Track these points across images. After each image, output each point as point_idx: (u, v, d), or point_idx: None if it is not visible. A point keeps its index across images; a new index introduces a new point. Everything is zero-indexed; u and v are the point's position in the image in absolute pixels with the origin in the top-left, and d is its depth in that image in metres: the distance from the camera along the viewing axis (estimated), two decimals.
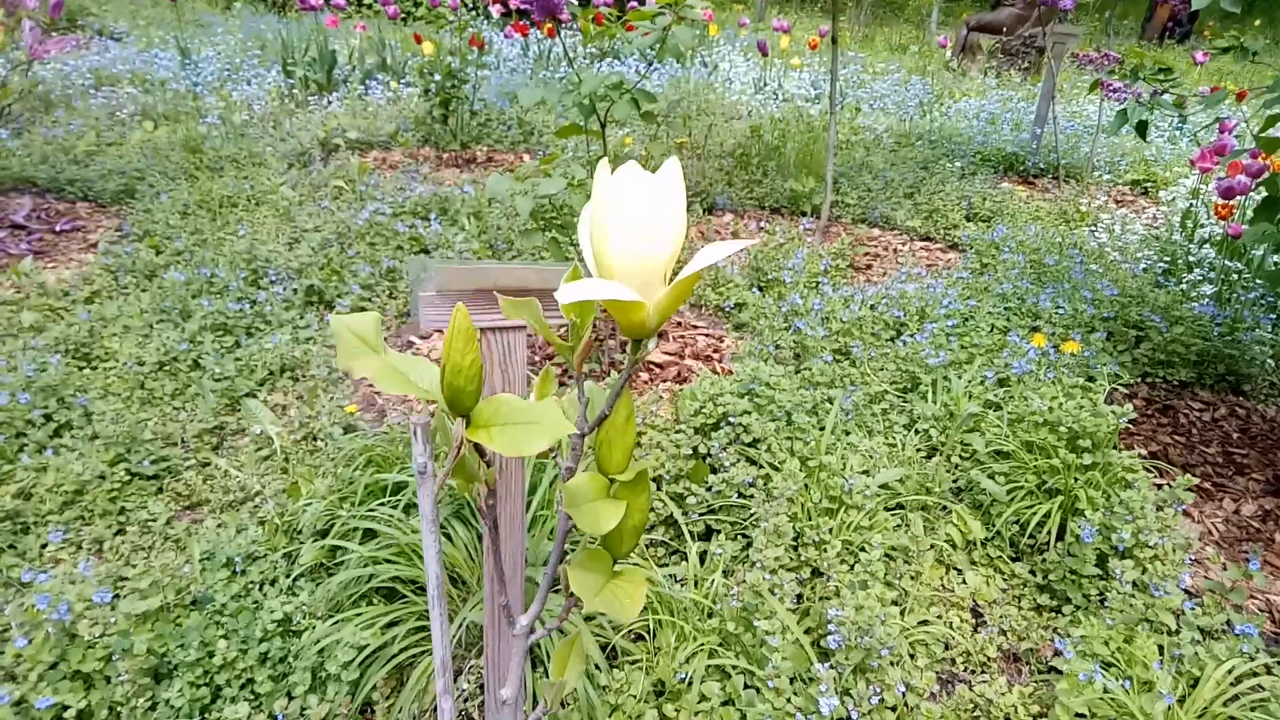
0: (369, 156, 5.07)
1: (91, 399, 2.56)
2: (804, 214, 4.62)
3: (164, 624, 1.76)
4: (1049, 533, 2.08)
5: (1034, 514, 2.09)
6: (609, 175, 0.63)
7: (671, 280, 0.66)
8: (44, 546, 2.08)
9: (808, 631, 1.79)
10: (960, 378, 2.61)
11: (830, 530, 1.94)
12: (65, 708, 1.64)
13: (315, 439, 2.42)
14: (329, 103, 5.89)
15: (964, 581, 2.06)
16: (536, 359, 2.94)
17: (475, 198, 4.07)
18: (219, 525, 2.13)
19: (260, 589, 1.91)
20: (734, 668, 1.69)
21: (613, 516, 0.69)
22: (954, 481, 2.28)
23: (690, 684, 1.65)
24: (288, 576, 1.94)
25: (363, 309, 3.09)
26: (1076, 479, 2.12)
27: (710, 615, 1.79)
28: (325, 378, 2.68)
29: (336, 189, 4.21)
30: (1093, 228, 4.15)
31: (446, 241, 3.64)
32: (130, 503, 2.24)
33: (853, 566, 1.90)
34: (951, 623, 1.94)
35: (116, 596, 1.82)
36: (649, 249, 0.62)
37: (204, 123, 4.90)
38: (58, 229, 3.89)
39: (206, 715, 1.65)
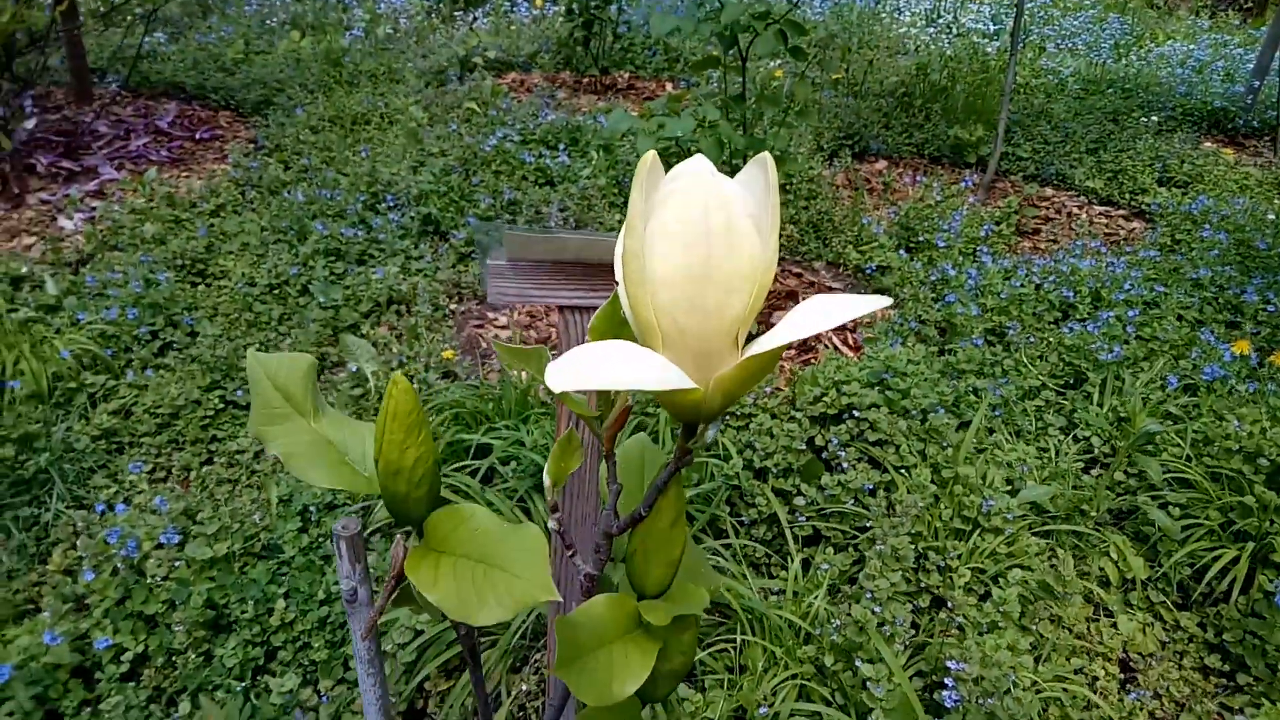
0: (506, 78, 4.90)
1: (198, 319, 2.52)
2: (968, 165, 4.17)
3: (226, 574, 1.68)
4: (1230, 583, 1.74)
5: (1213, 559, 1.75)
6: (656, 176, 0.40)
7: (745, 345, 0.42)
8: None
9: (920, 675, 1.54)
10: (1136, 379, 2.23)
11: (959, 556, 1.66)
12: (123, 649, 1.59)
13: (411, 380, 2.29)
14: (474, 19, 5.73)
15: (1115, 627, 1.75)
16: None
17: (609, 128, 3.84)
18: None
19: (329, 541, 1.81)
20: (828, 705, 1.47)
21: (638, 670, 0.47)
22: (1114, 504, 1.95)
23: (776, 717, 1.44)
24: (361, 532, 1.83)
25: (478, 243, 2.94)
26: (1274, 523, 1.75)
27: (807, 640, 1.56)
28: (430, 315, 2.55)
29: (469, 110, 4.06)
30: None
31: (572, 175, 3.44)
32: (222, 431, 2.19)
33: (982, 602, 1.62)
34: (1095, 677, 1.65)
35: (185, 537, 1.76)
36: (714, 302, 0.39)
37: (348, 36, 4.83)
38: (197, 137, 3.92)
39: (258, 680, 1.57)
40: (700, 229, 0.38)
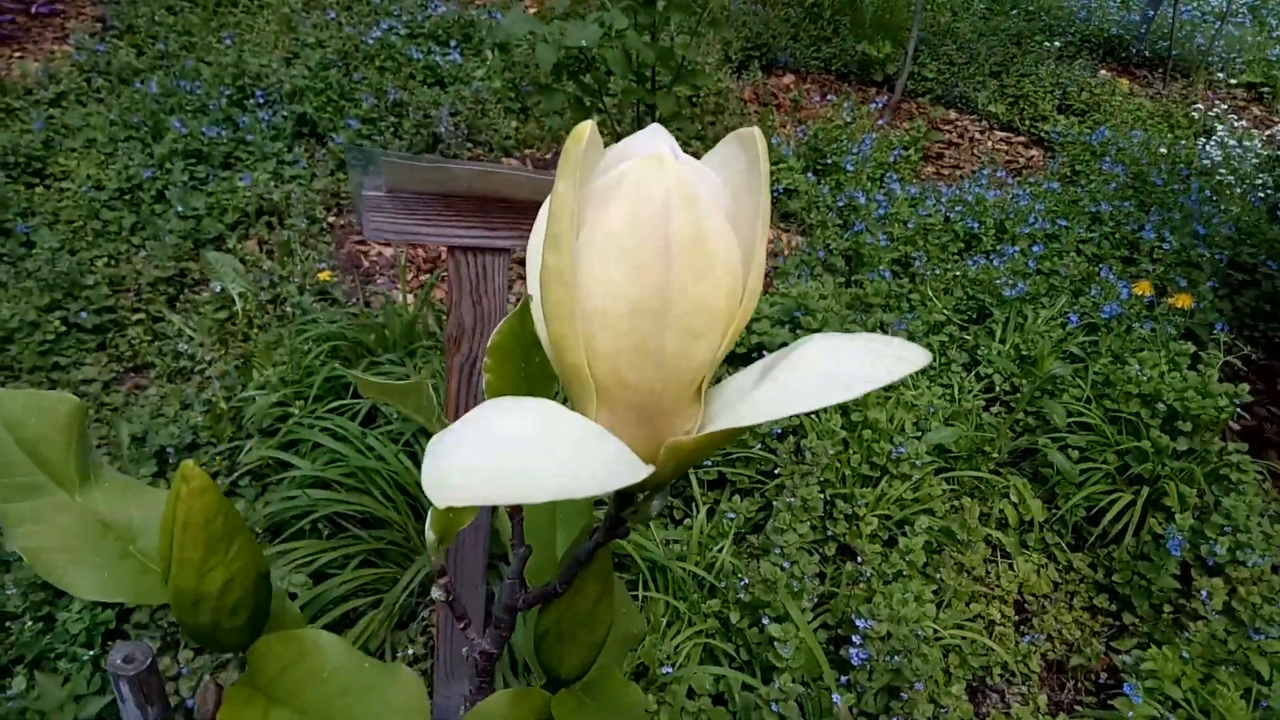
0: None
1: (35, 226, 2.22)
2: (875, 84, 4.08)
3: None
4: (1124, 526, 1.76)
5: (1110, 502, 1.76)
6: (592, 155, 0.26)
7: (709, 389, 0.30)
8: None
9: (825, 627, 1.50)
10: (1038, 315, 2.22)
11: (867, 504, 1.62)
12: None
13: (283, 304, 2.09)
14: None
15: (1012, 569, 1.76)
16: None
17: (504, 29, 3.56)
18: (161, 397, 1.84)
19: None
20: (732, 663, 1.42)
21: None
22: (1015, 444, 1.94)
23: (680, 678, 1.38)
24: (228, 475, 1.66)
25: (360, 145, 2.69)
26: (1166, 466, 1.77)
27: (712, 593, 1.50)
28: (305, 229, 2.32)
29: None
30: (1204, 139, 3.61)
31: (465, 75, 3.18)
32: (64, 358, 1.94)
33: (888, 549, 1.59)
34: (993, 621, 1.65)
35: None
36: (674, 347, 0.27)
37: None
38: (33, 11, 3.44)
39: (108, 645, 1.40)
40: (657, 242, 0.25)
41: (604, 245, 0.26)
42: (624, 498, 0.34)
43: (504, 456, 0.23)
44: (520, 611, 0.40)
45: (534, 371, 0.36)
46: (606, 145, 0.30)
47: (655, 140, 0.29)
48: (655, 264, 0.25)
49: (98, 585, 0.31)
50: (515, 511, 0.39)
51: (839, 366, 0.26)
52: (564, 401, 0.34)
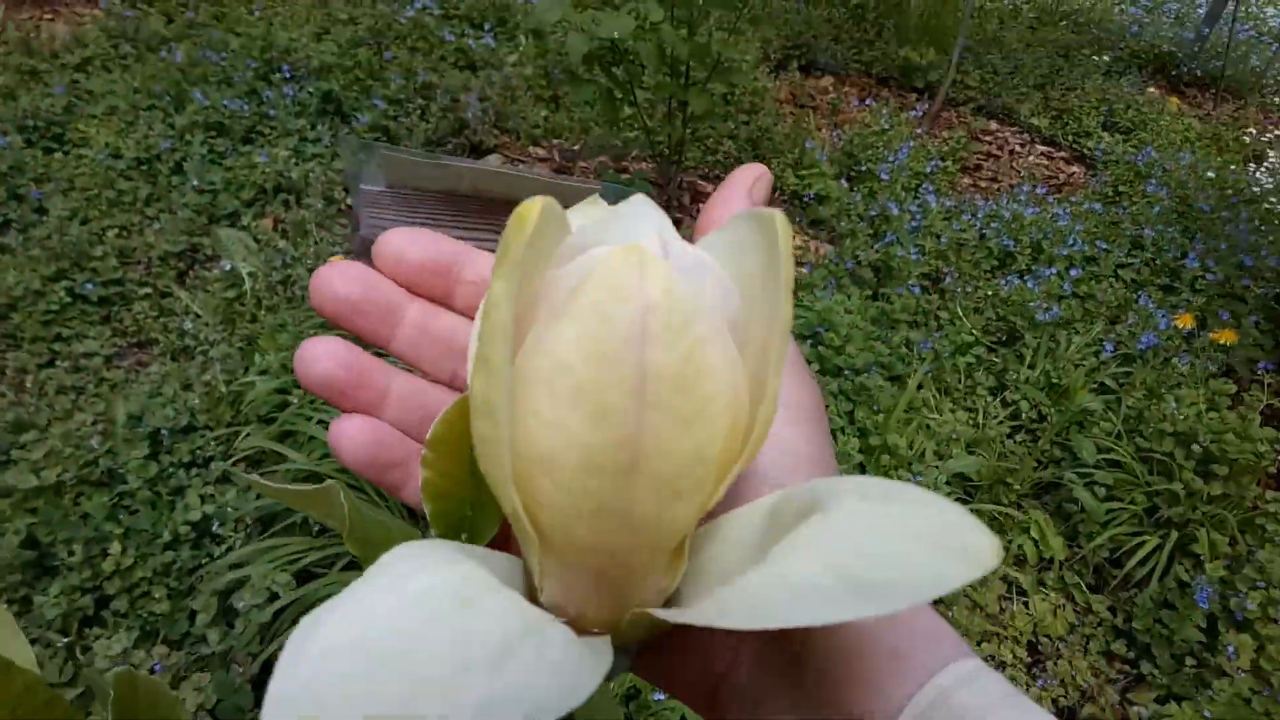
0: None
1: (49, 193, 2.18)
2: (916, 90, 3.97)
3: (54, 507, 1.45)
4: (1150, 571, 1.68)
5: (1136, 545, 1.68)
6: (550, 235, 0.20)
7: (685, 547, 0.23)
8: None
9: None
10: (1071, 342, 2.13)
11: None
12: None
13: (293, 286, 2.04)
14: None
15: (1027, 608, 1.68)
16: None
17: (537, 14, 3.49)
18: (162, 376, 1.79)
19: (187, 471, 1.59)
20: None
21: None
22: (1038, 476, 1.86)
23: (671, 707, 1.32)
24: (223, 460, 1.61)
25: (384, 128, 2.64)
26: (1198, 511, 1.69)
27: None
28: (322, 210, 2.27)
29: None
30: (1254, 165, 3.48)
31: (497, 60, 3.12)
32: (68, 329, 1.91)
33: None
34: (1004, 662, 1.58)
35: (7, 462, 1.51)
36: (644, 510, 0.20)
37: None
38: None
39: (85, 632, 1.36)
40: (627, 379, 0.18)
41: (551, 376, 0.19)
42: None
43: (379, 684, 0.16)
44: None
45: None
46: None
47: (639, 221, 0.22)
48: (623, 407, 0.18)
49: None
50: None
51: (876, 564, 0.18)
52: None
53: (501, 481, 0.19)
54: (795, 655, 0.23)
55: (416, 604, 0.17)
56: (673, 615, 0.21)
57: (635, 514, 0.19)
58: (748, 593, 0.18)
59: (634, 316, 0.18)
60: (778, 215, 0.20)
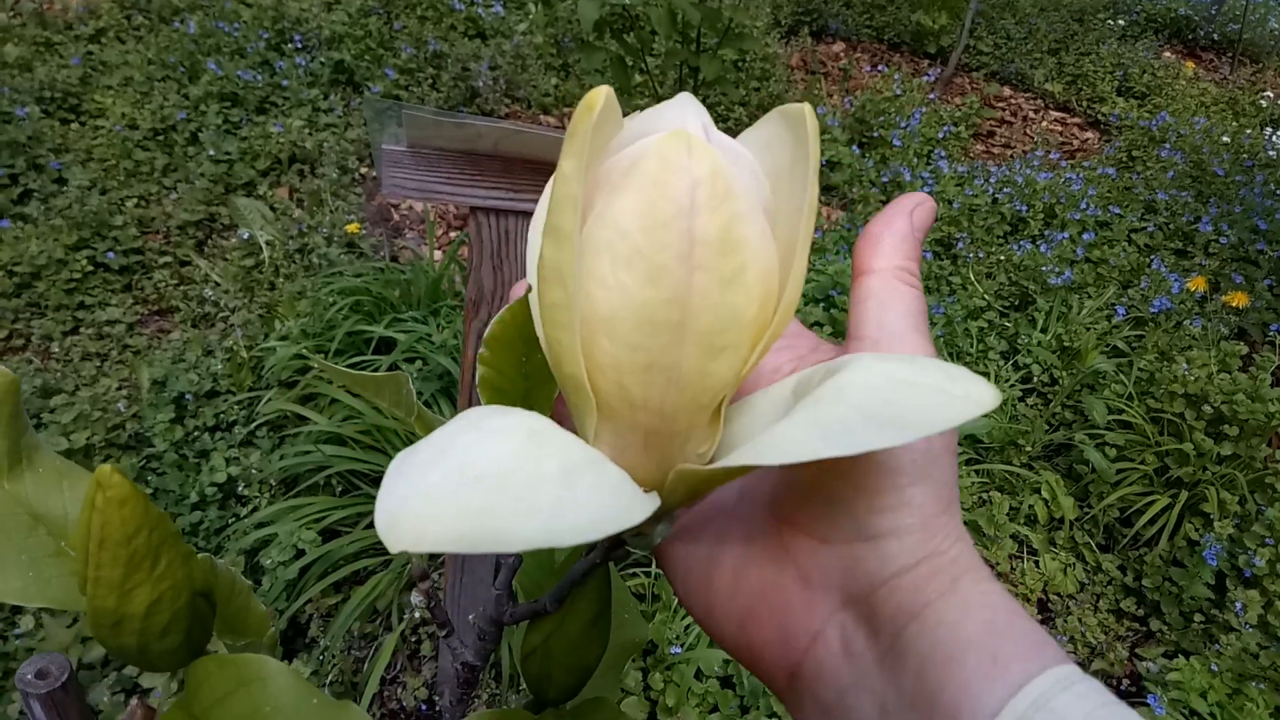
0: None
1: (68, 164, 2.21)
2: (928, 55, 3.95)
3: (83, 470, 1.48)
4: (1159, 530, 1.70)
5: (1145, 504, 1.70)
6: (606, 128, 0.22)
7: (721, 411, 0.26)
8: None
9: None
10: (1083, 305, 2.14)
11: None
12: None
13: (310, 254, 2.06)
14: None
15: (1037, 566, 1.71)
16: None
17: None
18: (184, 343, 1.82)
19: (211, 435, 1.62)
20: None
21: None
22: (1049, 438, 1.88)
23: (689, 659, 1.35)
24: (246, 424, 1.64)
25: (396, 98, 2.65)
26: (1208, 471, 1.70)
27: None
28: (336, 179, 2.29)
29: None
30: (1270, 129, 3.45)
31: (507, 29, 3.12)
32: (90, 298, 1.94)
33: None
34: None
35: (38, 426, 1.54)
36: (691, 366, 0.22)
37: None
38: None
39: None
40: (677, 243, 0.21)
41: (613, 242, 0.21)
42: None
43: (472, 495, 0.19)
44: (506, 626, 0.36)
45: (535, 369, 0.31)
46: (642, 108, 0.25)
47: (684, 113, 0.24)
48: (674, 268, 0.21)
49: (20, 587, 0.28)
50: None
51: (890, 403, 0.21)
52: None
53: (568, 346, 0.22)
54: (891, 648, 0.23)
55: (494, 436, 0.20)
56: (713, 457, 0.23)
57: (682, 369, 0.22)
58: (780, 435, 0.20)
59: (684, 188, 0.20)
60: (806, 107, 0.22)
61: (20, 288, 1.91)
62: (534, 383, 0.31)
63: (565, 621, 0.34)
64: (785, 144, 0.23)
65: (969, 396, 0.21)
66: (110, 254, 1.97)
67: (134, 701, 0.30)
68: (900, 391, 0.21)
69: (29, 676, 0.29)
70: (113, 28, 2.81)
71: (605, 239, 0.21)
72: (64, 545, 0.29)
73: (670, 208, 0.20)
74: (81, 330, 1.86)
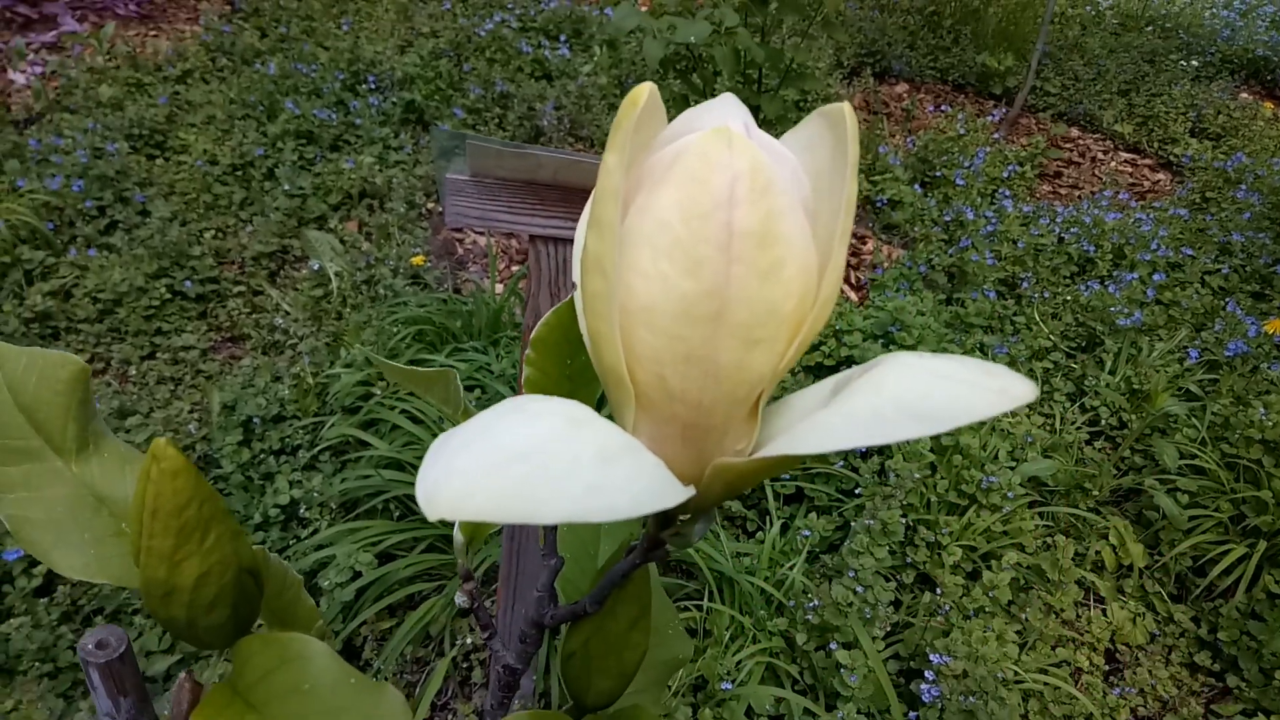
0: None
1: (152, 196, 2.31)
2: (993, 97, 3.92)
3: None
4: (1235, 581, 1.63)
5: (1220, 553, 1.64)
6: (651, 125, 0.23)
7: (759, 408, 0.26)
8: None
9: (897, 658, 1.43)
10: (1153, 348, 2.08)
11: (951, 533, 1.54)
12: (36, 562, 1.45)
13: (376, 285, 2.11)
14: None
15: (1105, 615, 1.65)
16: None
17: (613, 23, 3.56)
18: (254, 369, 1.88)
19: (276, 458, 1.67)
20: (795, 686, 1.37)
21: None
22: (1118, 482, 1.82)
23: (739, 696, 1.33)
24: (309, 449, 1.69)
25: (465, 133, 2.72)
26: None
27: (780, 611, 1.45)
28: (404, 214, 2.36)
29: None
30: None
31: (572, 70, 3.19)
32: (168, 324, 2.01)
33: (971, 581, 1.51)
34: (1080, 668, 1.55)
35: None
36: (729, 358, 0.23)
37: None
38: None
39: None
40: (716, 235, 0.21)
41: (653, 233, 0.22)
42: (665, 518, 0.30)
43: (510, 469, 0.20)
44: (547, 628, 0.36)
45: (579, 370, 0.32)
46: None
47: (726, 111, 0.25)
48: (713, 260, 0.22)
49: (83, 564, 0.29)
50: None
51: (926, 395, 0.21)
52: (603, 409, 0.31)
53: (608, 336, 0.22)
54: None
55: (535, 419, 0.21)
56: (750, 453, 0.23)
57: (719, 361, 0.22)
58: (816, 425, 0.21)
59: (724, 181, 0.21)
60: (845, 106, 0.23)
61: (103, 313, 2.00)
62: (578, 384, 0.31)
63: (605, 624, 0.34)
64: (826, 144, 0.24)
65: (1005, 390, 0.21)
66: (188, 283, 2.05)
67: (183, 675, 0.32)
68: (936, 384, 0.21)
69: (90, 646, 0.31)
70: (198, 69, 2.95)
71: (646, 231, 0.22)
72: (124, 526, 0.30)
73: (710, 200, 0.21)
74: (158, 355, 1.94)
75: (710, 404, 0.24)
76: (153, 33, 3.28)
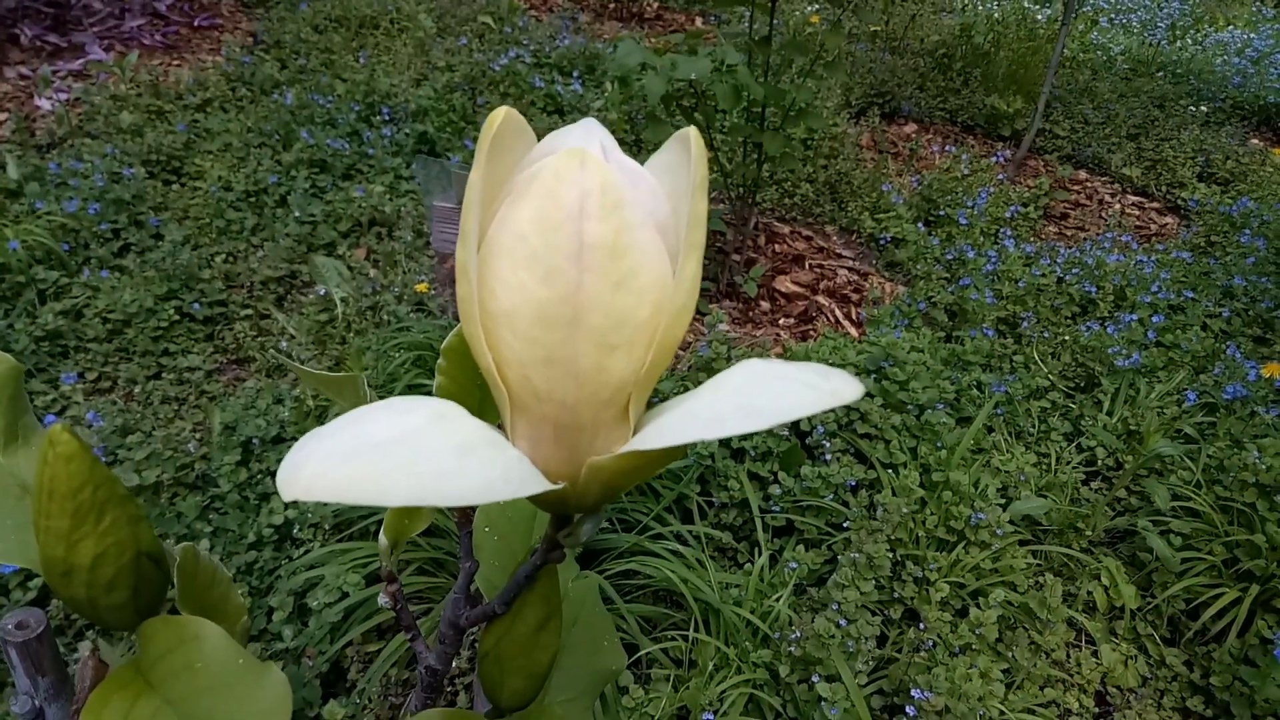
0: None
1: (165, 220, 2.36)
2: (1002, 138, 3.95)
3: (151, 505, 1.56)
4: (1227, 624, 1.61)
5: (1213, 596, 1.63)
6: (515, 145, 0.25)
7: (644, 412, 0.28)
8: (82, 374, 1.92)
9: (881, 694, 1.43)
10: (1152, 389, 2.08)
11: (939, 569, 1.54)
12: (31, 575, 1.47)
13: (380, 311, 2.15)
14: None
15: (1095, 657, 1.63)
16: None
17: (617, 60, 3.62)
18: (257, 391, 1.91)
19: (273, 479, 1.69)
20: (778, 716, 1.36)
21: None
22: (1111, 524, 1.82)
23: None
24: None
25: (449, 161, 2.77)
26: None
27: (765, 642, 1.45)
28: (411, 242, 2.40)
29: (483, 25, 3.84)
30: None
31: (584, 105, 3.24)
32: (174, 345, 2.05)
33: (959, 618, 1.50)
34: (1069, 710, 1.54)
35: (112, 462, 1.63)
36: (588, 362, 0.25)
37: None
38: (196, 24, 3.71)
39: None
40: (567, 247, 0.23)
41: (512, 244, 0.24)
42: (560, 520, 0.32)
43: (367, 454, 0.22)
44: (464, 629, 0.38)
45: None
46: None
47: (586, 135, 0.27)
48: (565, 270, 0.24)
49: (4, 549, 0.31)
50: (465, 522, 0.37)
51: (759, 393, 0.23)
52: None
53: (475, 337, 0.25)
54: None
55: (403, 414, 0.23)
56: (611, 454, 0.25)
57: (580, 364, 0.24)
58: (664, 424, 0.23)
59: (575, 196, 0.23)
60: (692, 130, 0.25)
61: (112, 333, 2.04)
62: (487, 392, 0.33)
63: (514, 625, 0.36)
64: (684, 167, 0.26)
65: (835, 391, 0.23)
66: (196, 305, 2.09)
67: (87, 653, 0.33)
68: (772, 384, 0.23)
69: (9, 627, 0.33)
70: (218, 98, 3.02)
71: (506, 242, 0.24)
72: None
73: (561, 214, 0.23)
74: (163, 375, 1.97)
75: (574, 404, 0.25)
76: (176, 62, 3.37)
